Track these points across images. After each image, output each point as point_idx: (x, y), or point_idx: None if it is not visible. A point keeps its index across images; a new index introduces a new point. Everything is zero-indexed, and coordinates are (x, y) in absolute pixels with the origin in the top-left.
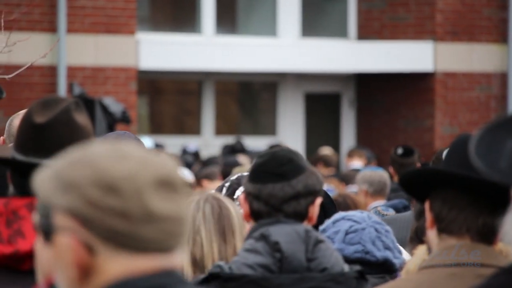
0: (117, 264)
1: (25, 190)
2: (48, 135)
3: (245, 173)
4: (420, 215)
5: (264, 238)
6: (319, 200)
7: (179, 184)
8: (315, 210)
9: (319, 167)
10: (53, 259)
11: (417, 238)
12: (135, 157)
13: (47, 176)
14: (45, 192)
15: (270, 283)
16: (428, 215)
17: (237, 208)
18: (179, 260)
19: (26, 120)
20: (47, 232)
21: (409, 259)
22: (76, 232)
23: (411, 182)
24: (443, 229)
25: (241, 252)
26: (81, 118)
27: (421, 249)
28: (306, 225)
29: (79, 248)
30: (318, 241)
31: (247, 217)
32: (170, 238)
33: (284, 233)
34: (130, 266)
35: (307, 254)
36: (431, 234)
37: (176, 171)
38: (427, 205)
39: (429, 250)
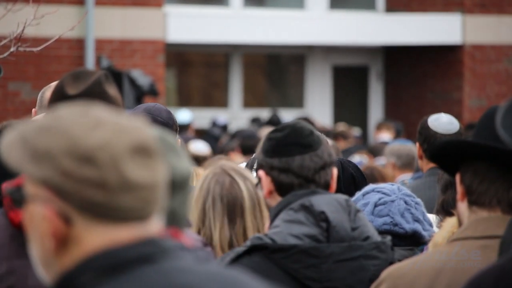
0: (96, 234)
1: None
2: None
3: None
4: (446, 187)
5: (305, 208)
6: (335, 171)
7: (154, 150)
8: (334, 181)
9: (339, 141)
10: (27, 228)
11: (443, 210)
12: (108, 124)
13: (15, 141)
14: (15, 159)
15: (320, 253)
16: (459, 188)
17: (251, 184)
18: (158, 227)
19: (58, 92)
20: (19, 200)
21: (437, 231)
22: (51, 202)
23: (442, 154)
24: (474, 201)
25: (281, 223)
26: (112, 89)
27: (448, 222)
28: (343, 195)
29: (55, 219)
30: (357, 210)
31: (269, 193)
32: (148, 206)
33: (326, 202)
34: (109, 236)
35: (350, 223)
36: (462, 206)
37: (150, 136)
38: (458, 178)
39: (460, 222)
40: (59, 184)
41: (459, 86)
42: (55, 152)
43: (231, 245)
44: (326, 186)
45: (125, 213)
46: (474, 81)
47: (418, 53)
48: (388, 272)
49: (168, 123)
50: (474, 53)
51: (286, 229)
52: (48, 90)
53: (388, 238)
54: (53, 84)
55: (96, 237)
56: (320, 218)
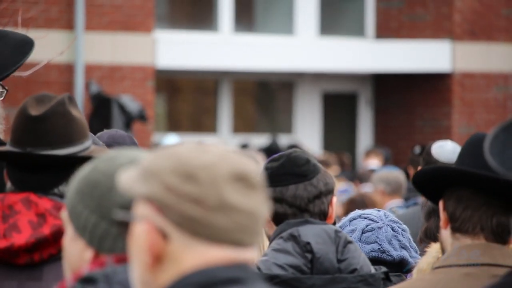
0: (192, 253)
1: (23, 184)
2: (45, 126)
3: None
4: (430, 215)
5: (293, 238)
6: (335, 199)
7: (255, 182)
8: (333, 209)
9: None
10: (130, 249)
11: (426, 238)
12: (216, 152)
13: (133, 171)
14: (128, 184)
15: (302, 284)
16: (442, 215)
17: None
18: (253, 256)
19: (21, 114)
20: (126, 223)
21: (421, 258)
22: (152, 218)
23: (425, 181)
24: (457, 228)
25: (270, 251)
26: (76, 111)
27: (433, 248)
28: (334, 226)
29: (154, 234)
30: (348, 242)
31: (267, 222)
32: (244, 232)
33: (314, 233)
34: (205, 256)
35: (337, 255)
36: (445, 233)
37: (254, 169)
38: (441, 205)
39: (443, 250)
40: (162, 199)
41: (448, 113)
42: (162, 170)
43: None
44: (321, 215)
45: (221, 234)
46: (463, 108)
47: (407, 80)
48: None
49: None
50: (463, 80)
51: (272, 258)
52: None
53: (382, 270)
54: None
55: (192, 256)
56: (305, 249)
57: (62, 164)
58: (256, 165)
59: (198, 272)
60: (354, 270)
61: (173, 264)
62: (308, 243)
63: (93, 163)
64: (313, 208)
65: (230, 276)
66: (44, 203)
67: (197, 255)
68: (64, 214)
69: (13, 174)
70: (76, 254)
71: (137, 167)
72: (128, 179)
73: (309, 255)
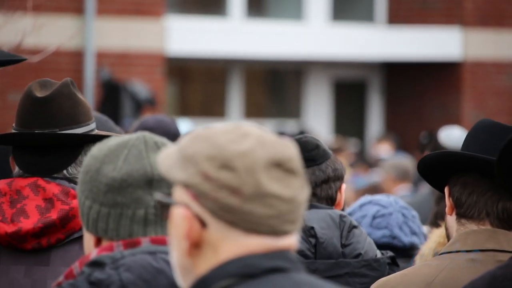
0: (230, 242)
1: (32, 168)
2: (51, 108)
3: None
4: (440, 199)
5: None
6: (344, 186)
7: (295, 167)
8: (342, 195)
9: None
10: (170, 233)
11: (437, 222)
12: (254, 136)
13: (170, 152)
14: (166, 166)
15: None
16: (448, 201)
17: None
18: (294, 243)
19: (27, 97)
20: (166, 205)
21: (424, 243)
22: (190, 204)
23: (430, 167)
24: (463, 214)
25: None
26: (79, 93)
27: (435, 233)
28: (339, 211)
29: (191, 220)
30: (353, 227)
31: None
32: (283, 220)
33: (318, 218)
34: (244, 245)
35: (341, 240)
36: (451, 220)
37: (292, 154)
38: (446, 191)
39: (448, 236)
40: (199, 187)
41: (459, 100)
42: (198, 156)
43: None
44: (329, 200)
45: (259, 223)
46: (473, 96)
47: (418, 67)
48: (376, 285)
49: (176, 135)
50: (474, 68)
51: None
52: None
53: (387, 255)
54: None
55: (230, 245)
56: (309, 233)
57: (71, 145)
58: (295, 149)
59: (237, 260)
60: (359, 255)
61: (212, 252)
62: (312, 228)
63: (91, 150)
64: (320, 192)
65: (271, 265)
66: (52, 188)
67: (235, 244)
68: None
69: (21, 158)
70: (87, 242)
71: (176, 148)
72: (166, 162)
73: (313, 240)
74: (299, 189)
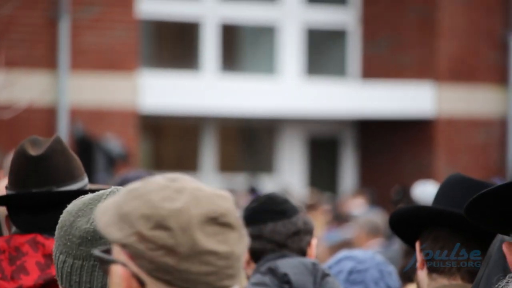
0: None
1: (30, 226)
2: (47, 165)
3: None
4: (407, 254)
5: (271, 271)
6: (315, 241)
7: (231, 221)
8: (312, 249)
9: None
10: (109, 286)
11: (403, 277)
12: (187, 191)
13: (107, 206)
14: (103, 224)
15: None
16: (419, 256)
17: None
18: None
19: (21, 156)
20: (105, 262)
21: None
22: (127, 264)
23: (401, 221)
24: (434, 269)
25: (249, 286)
26: (70, 149)
27: None
28: (311, 259)
29: (129, 280)
30: (325, 274)
31: (246, 263)
32: (222, 276)
33: (291, 265)
34: None
35: (315, 286)
36: (422, 274)
37: (230, 208)
38: (417, 245)
39: None
40: (134, 247)
41: (432, 156)
42: (133, 216)
43: None
44: (301, 253)
45: (196, 281)
46: (447, 152)
47: (391, 123)
48: None
49: None
50: (447, 124)
51: None
52: (10, 156)
53: None
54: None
55: None
56: (283, 280)
57: (69, 202)
58: (232, 202)
59: None
60: None
61: None
62: (286, 274)
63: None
64: (291, 244)
65: None
66: (51, 243)
67: None
68: None
69: (19, 217)
70: None
71: (112, 204)
72: (102, 219)
73: (286, 286)
74: (236, 243)
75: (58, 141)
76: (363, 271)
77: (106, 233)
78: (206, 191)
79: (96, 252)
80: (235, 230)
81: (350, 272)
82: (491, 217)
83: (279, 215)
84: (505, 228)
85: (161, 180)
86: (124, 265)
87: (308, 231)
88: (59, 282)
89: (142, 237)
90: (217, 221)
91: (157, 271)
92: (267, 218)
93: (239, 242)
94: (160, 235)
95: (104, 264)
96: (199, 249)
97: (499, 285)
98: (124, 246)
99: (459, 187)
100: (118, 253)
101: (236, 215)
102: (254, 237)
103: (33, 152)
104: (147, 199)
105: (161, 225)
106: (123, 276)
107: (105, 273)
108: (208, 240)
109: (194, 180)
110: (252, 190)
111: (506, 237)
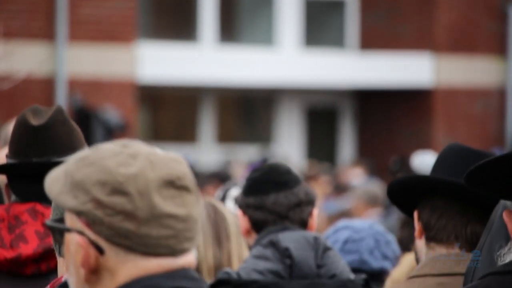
0: (128, 266)
1: (29, 195)
2: (48, 135)
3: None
4: (404, 224)
5: (273, 244)
6: (316, 211)
7: (188, 184)
8: (314, 220)
9: (310, 184)
10: (66, 259)
11: (401, 247)
12: (143, 156)
13: (60, 174)
14: (55, 192)
15: None
16: (417, 225)
17: (232, 214)
18: (192, 260)
19: (22, 125)
20: (60, 231)
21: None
22: (84, 232)
23: (399, 191)
24: (432, 237)
25: (250, 258)
26: (71, 119)
27: (407, 258)
28: (313, 233)
29: (87, 248)
30: (327, 248)
31: (247, 232)
32: (181, 239)
33: (293, 239)
34: (142, 267)
35: (316, 261)
36: (420, 243)
37: (186, 171)
38: (415, 215)
39: (417, 259)
40: (92, 214)
41: (431, 126)
42: (88, 182)
43: (217, 270)
44: (302, 224)
45: (156, 245)
46: (445, 122)
47: (389, 94)
48: None
49: None
50: (445, 95)
51: (252, 265)
52: (9, 126)
53: (361, 276)
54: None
55: (128, 268)
56: (284, 254)
57: None
58: (186, 165)
59: (137, 282)
60: (334, 275)
61: (110, 277)
62: (287, 249)
63: None
64: (293, 215)
65: (174, 285)
66: (51, 212)
67: (134, 267)
68: None
69: (18, 186)
70: (60, 266)
71: (63, 172)
72: (54, 188)
73: (288, 260)
74: (193, 206)
75: (59, 111)
76: (358, 240)
77: (59, 201)
78: (160, 155)
79: (48, 222)
80: (192, 193)
81: (345, 242)
82: (493, 185)
83: (282, 186)
84: (507, 195)
85: (112, 147)
86: (80, 233)
87: (309, 202)
88: (56, 252)
89: (99, 203)
90: (174, 185)
91: (117, 236)
92: (270, 188)
93: (195, 205)
94: (118, 201)
95: (58, 234)
96: (158, 213)
97: (501, 252)
98: (79, 213)
99: (458, 157)
100: (73, 221)
101: (191, 178)
102: (256, 207)
103: (34, 121)
104: (101, 165)
105: (118, 191)
106: (80, 243)
107: (59, 243)
108: (167, 204)
109: (146, 145)
110: (264, 161)
111: (508, 203)
